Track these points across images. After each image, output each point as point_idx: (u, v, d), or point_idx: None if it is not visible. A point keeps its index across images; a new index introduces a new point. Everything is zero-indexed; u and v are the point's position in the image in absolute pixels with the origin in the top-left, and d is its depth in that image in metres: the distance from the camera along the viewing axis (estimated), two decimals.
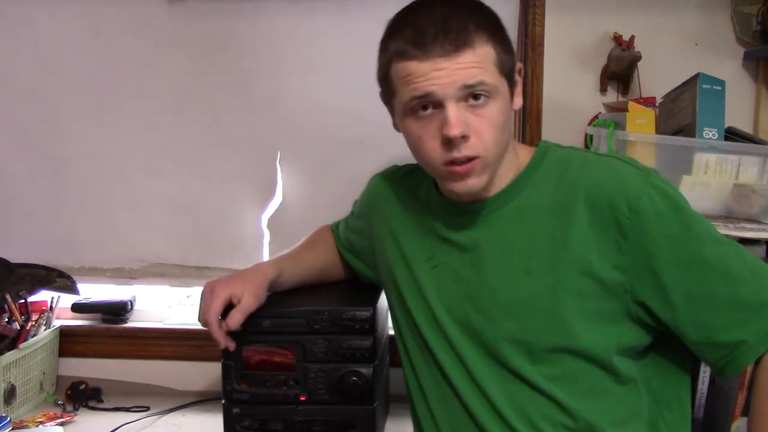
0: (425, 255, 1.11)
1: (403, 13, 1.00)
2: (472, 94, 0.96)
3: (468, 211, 1.07)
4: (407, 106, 0.99)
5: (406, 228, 1.16)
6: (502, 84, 0.99)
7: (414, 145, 1.02)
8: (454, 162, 0.97)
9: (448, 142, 0.96)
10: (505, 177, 1.05)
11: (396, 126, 1.08)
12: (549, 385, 0.99)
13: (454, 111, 0.95)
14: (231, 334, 1.18)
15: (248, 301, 1.17)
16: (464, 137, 0.95)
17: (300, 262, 1.30)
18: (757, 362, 0.95)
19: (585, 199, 0.98)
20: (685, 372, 1.05)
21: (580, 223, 0.98)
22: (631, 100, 1.47)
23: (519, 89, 1.06)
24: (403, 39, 0.96)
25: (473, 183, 0.99)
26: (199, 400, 1.59)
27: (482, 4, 1.01)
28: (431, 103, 0.97)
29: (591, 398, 0.99)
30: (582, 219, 0.98)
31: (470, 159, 0.97)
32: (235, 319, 1.15)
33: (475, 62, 0.95)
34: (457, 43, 0.94)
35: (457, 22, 0.94)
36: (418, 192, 1.17)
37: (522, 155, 1.08)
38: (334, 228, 1.37)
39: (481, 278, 1.04)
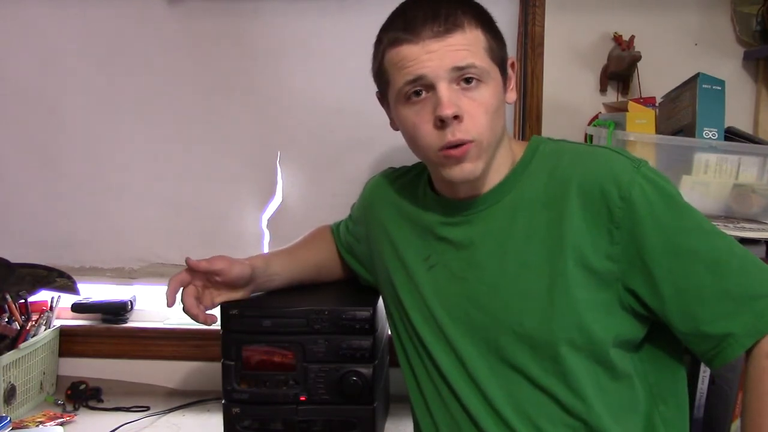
0: (422, 255, 1.11)
1: (394, 10, 1.03)
2: (463, 77, 0.97)
3: (463, 208, 1.07)
4: (401, 93, 1.00)
5: (402, 230, 1.16)
6: (493, 70, 1.00)
7: (409, 132, 1.03)
8: (448, 146, 0.98)
9: (442, 124, 0.97)
10: (500, 172, 1.06)
11: (393, 124, 1.08)
12: (549, 380, 0.99)
13: (446, 91, 0.96)
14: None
15: (214, 257, 1.21)
16: (457, 118, 0.97)
17: (294, 256, 1.31)
18: (748, 354, 0.95)
19: (577, 189, 0.99)
20: (681, 365, 1.05)
21: (574, 215, 0.98)
22: (631, 100, 1.47)
23: (513, 84, 1.07)
24: (395, 28, 1.00)
25: (469, 168, 1.00)
26: (199, 400, 1.59)
27: None
28: (424, 87, 0.98)
29: (589, 393, 0.98)
30: (575, 210, 0.98)
31: (464, 143, 0.98)
32: (196, 260, 1.19)
33: (465, 44, 0.97)
34: (447, 25, 0.96)
35: (446, 7, 0.97)
36: (414, 193, 1.17)
37: (516, 151, 1.08)
38: (334, 228, 1.38)
39: (479, 275, 1.04)
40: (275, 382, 1.24)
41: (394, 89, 1.02)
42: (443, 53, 0.96)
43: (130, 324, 1.73)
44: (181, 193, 1.68)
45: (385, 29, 1.03)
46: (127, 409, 1.53)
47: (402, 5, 1.03)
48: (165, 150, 1.68)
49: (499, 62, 1.02)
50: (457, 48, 0.96)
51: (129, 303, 1.72)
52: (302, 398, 1.24)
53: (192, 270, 1.20)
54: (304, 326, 1.23)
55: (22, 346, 1.51)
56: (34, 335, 1.56)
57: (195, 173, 1.67)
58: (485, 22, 1.01)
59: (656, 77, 1.52)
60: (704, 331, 0.95)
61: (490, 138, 1.00)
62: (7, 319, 1.53)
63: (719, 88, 1.33)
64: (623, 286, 0.98)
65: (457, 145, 0.98)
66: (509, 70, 1.06)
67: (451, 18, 0.97)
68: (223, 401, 1.26)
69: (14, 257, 1.62)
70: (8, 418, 1.39)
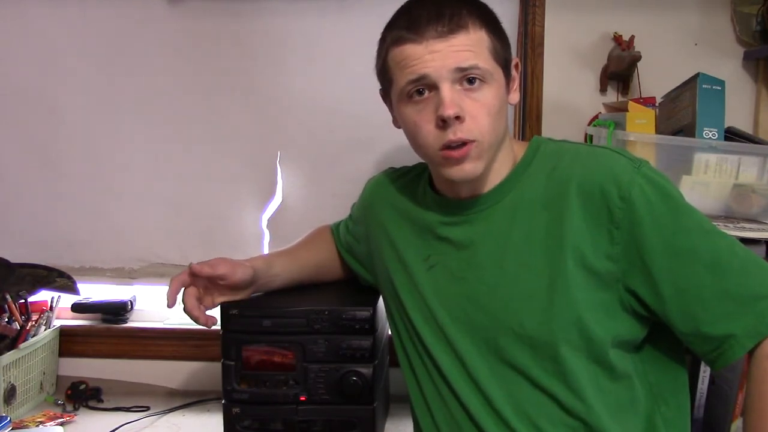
0: (422, 255, 1.11)
1: (399, 8, 1.03)
2: (466, 78, 0.98)
3: (463, 207, 1.07)
4: (403, 92, 1.00)
5: (402, 230, 1.16)
6: (496, 71, 1.00)
7: (411, 131, 1.03)
8: (449, 146, 0.98)
9: (443, 124, 0.97)
10: (500, 172, 1.06)
11: (395, 122, 1.08)
12: (549, 380, 0.99)
13: (448, 92, 0.96)
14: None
15: (216, 261, 1.20)
16: (458, 118, 0.97)
17: (295, 256, 1.31)
18: (750, 355, 0.95)
19: (577, 189, 0.99)
20: (681, 365, 1.05)
21: (574, 215, 0.98)
22: (631, 100, 1.47)
23: (516, 85, 1.07)
24: (399, 26, 1.00)
25: (469, 168, 1.00)
26: (199, 400, 1.59)
27: None
28: (426, 86, 0.98)
29: (588, 394, 0.98)
30: (575, 210, 0.98)
31: (465, 143, 0.98)
32: (199, 265, 1.18)
33: (469, 45, 0.97)
34: (451, 26, 0.96)
35: (450, 8, 0.97)
36: (414, 193, 1.17)
37: (517, 151, 1.08)
38: (334, 229, 1.38)
39: (479, 275, 1.04)
40: (275, 382, 1.24)
41: (396, 88, 1.02)
42: (446, 53, 0.96)
43: (130, 324, 1.73)
44: (181, 193, 1.68)
45: (389, 27, 1.03)
46: (127, 409, 1.53)
47: (407, 3, 1.03)
48: (165, 150, 1.67)
49: (503, 63, 1.02)
50: (460, 49, 0.96)
51: (129, 303, 1.72)
52: (302, 398, 1.24)
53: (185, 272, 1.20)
54: (304, 326, 1.23)
55: (22, 346, 1.51)
56: (34, 335, 1.56)
57: (195, 173, 1.67)
58: (490, 23, 1.01)
59: (656, 77, 1.52)
60: (705, 332, 0.95)
61: (492, 139, 1.00)
62: (7, 319, 1.53)
63: (719, 88, 1.33)
64: (623, 287, 0.98)
65: (458, 145, 0.98)
66: (513, 71, 1.06)
67: (456, 18, 0.96)
68: (223, 401, 1.26)
69: (14, 257, 1.62)
70: (8, 418, 1.39)
